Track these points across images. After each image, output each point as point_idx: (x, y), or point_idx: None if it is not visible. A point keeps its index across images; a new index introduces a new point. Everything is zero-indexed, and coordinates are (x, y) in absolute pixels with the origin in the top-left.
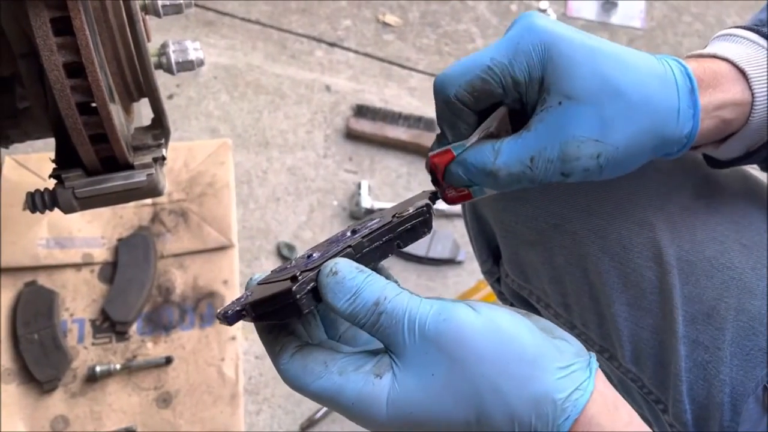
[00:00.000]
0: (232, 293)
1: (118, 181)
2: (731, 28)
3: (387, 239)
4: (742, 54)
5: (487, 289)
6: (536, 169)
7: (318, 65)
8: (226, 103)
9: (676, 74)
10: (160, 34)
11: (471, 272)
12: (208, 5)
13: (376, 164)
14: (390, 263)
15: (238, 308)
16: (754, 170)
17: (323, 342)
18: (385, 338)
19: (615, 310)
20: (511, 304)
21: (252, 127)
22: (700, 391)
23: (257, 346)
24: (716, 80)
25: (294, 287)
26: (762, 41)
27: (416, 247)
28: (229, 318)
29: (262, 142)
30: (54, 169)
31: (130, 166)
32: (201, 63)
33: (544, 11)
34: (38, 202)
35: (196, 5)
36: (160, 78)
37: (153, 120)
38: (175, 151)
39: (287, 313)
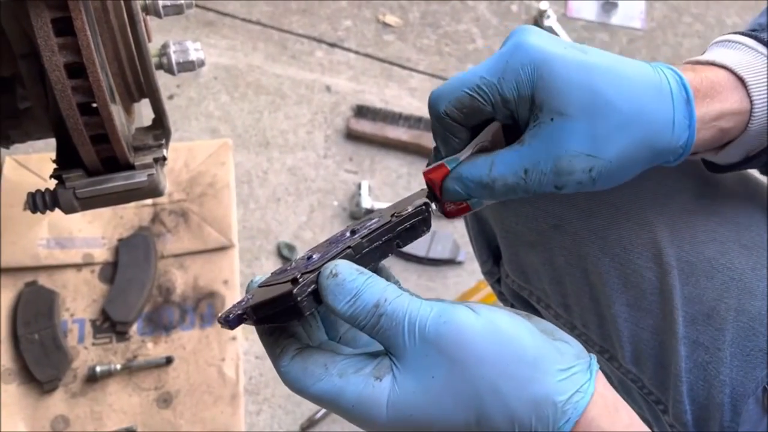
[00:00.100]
0: (233, 293)
1: (118, 181)
2: (730, 34)
3: (386, 239)
4: (741, 61)
5: (488, 290)
6: (530, 181)
7: (318, 66)
8: (226, 103)
9: (671, 84)
10: (160, 35)
11: (471, 272)
12: (209, 6)
13: (377, 164)
14: (390, 263)
15: (239, 312)
16: (754, 171)
17: (323, 343)
18: (385, 340)
19: (615, 310)
20: (512, 305)
21: (252, 128)
22: (701, 391)
23: (257, 346)
24: (714, 90)
25: (295, 290)
26: (761, 48)
27: (416, 248)
28: (231, 322)
29: (262, 142)
30: (55, 170)
31: (130, 167)
32: (202, 63)
33: (544, 11)
34: (39, 202)
35: (197, 6)
36: (161, 78)
37: (154, 120)
38: (175, 151)
39: (288, 315)
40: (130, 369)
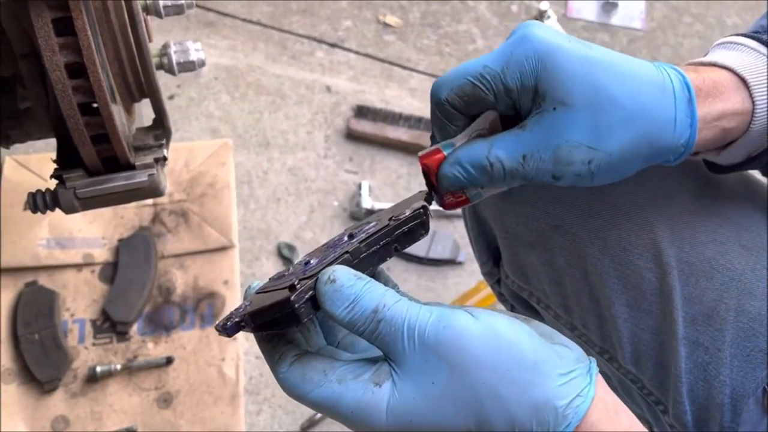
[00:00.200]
0: (233, 294)
1: (119, 181)
2: (732, 35)
3: (384, 243)
4: (743, 62)
5: (488, 290)
6: (528, 167)
7: (319, 66)
8: (226, 103)
9: (674, 83)
10: (161, 35)
11: (471, 273)
12: (210, 6)
13: (377, 165)
14: (390, 264)
15: (236, 319)
16: (754, 172)
17: (322, 349)
18: (384, 346)
19: (615, 311)
20: (512, 306)
21: (253, 128)
22: (701, 392)
23: (257, 346)
24: (716, 90)
25: (292, 296)
26: (763, 49)
27: (416, 248)
28: (228, 329)
29: (262, 142)
30: (55, 170)
31: (131, 167)
32: (202, 63)
33: (544, 12)
34: (39, 202)
35: (198, 6)
36: (161, 78)
37: (154, 120)
38: (175, 151)
39: (286, 322)
40: (131, 369)
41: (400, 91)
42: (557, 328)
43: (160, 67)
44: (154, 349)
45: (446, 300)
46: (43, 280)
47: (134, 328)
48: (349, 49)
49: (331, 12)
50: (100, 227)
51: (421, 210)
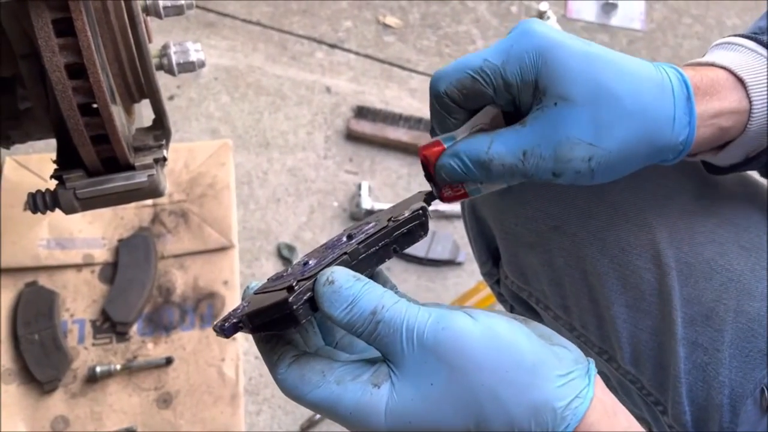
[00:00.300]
0: (233, 294)
1: (119, 181)
2: (730, 36)
3: (383, 244)
4: (740, 62)
5: (487, 291)
6: (528, 163)
7: (318, 66)
8: (226, 104)
9: (673, 82)
10: (161, 36)
11: (471, 273)
12: (209, 6)
13: (377, 165)
14: (390, 264)
15: (234, 320)
16: (753, 173)
17: (320, 349)
18: (382, 347)
19: (614, 311)
20: (511, 306)
21: (252, 128)
22: (700, 392)
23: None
24: (714, 88)
25: (291, 298)
26: (761, 49)
27: (416, 249)
28: (226, 330)
29: (262, 143)
30: (55, 170)
31: (131, 167)
32: (202, 64)
33: (544, 12)
34: (39, 202)
35: (198, 7)
36: (161, 79)
37: (154, 121)
38: (175, 152)
39: (284, 323)
40: (130, 369)
41: (400, 92)
42: (556, 329)
43: (160, 67)
44: (153, 350)
45: (446, 300)
46: (43, 280)
47: (134, 329)
48: (349, 50)
49: (331, 13)
50: (100, 228)
51: (421, 211)
